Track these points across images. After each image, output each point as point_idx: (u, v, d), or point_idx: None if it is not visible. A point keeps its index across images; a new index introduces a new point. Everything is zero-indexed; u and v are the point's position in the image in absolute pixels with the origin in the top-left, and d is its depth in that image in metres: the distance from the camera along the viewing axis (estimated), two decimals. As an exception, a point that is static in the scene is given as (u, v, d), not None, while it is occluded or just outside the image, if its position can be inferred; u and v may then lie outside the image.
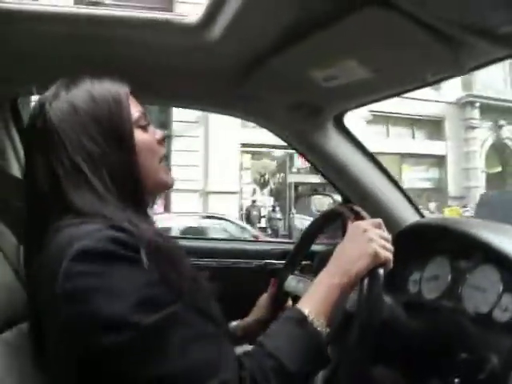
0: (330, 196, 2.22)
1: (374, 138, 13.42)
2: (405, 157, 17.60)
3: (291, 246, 1.71)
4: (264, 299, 1.44)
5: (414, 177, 18.12)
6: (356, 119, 12.98)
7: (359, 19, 1.05)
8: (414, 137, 18.47)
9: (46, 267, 0.85)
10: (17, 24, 1.29)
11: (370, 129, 15.54)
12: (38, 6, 1.30)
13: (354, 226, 1.06)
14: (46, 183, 0.91)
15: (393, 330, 1.23)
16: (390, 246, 1.02)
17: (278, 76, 1.43)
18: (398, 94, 1.46)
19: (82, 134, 0.92)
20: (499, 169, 18.80)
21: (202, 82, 1.56)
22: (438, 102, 17.50)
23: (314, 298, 0.97)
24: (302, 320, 0.92)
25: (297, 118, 1.71)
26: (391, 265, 1.01)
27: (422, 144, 18.22)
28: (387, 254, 1.00)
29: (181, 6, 12.62)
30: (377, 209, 1.80)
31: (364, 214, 1.11)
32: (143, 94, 1.08)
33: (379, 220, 1.07)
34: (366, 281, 0.98)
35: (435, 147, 18.32)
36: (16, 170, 1.78)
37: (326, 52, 1.23)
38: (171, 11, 12.20)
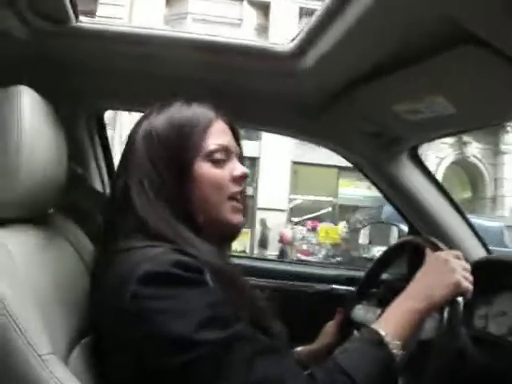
0: (395, 226, 2.22)
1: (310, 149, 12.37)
2: (344, 170, 15.59)
3: (357, 273, 1.74)
4: (330, 326, 1.44)
5: (355, 193, 16.67)
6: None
7: (452, 57, 1.07)
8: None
9: (111, 288, 0.87)
10: (111, 44, 1.39)
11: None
12: (132, 28, 1.39)
13: (435, 256, 1.08)
14: (123, 197, 0.97)
15: (461, 363, 1.23)
16: (470, 276, 1.04)
17: (362, 107, 1.47)
18: (478, 128, 1.48)
19: (148, 157, 0.97)
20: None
21: (287, 108, 1.61)
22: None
23: (391, 321, 0.98)
24: (380, 341, 0.93)
25: (374, 147, 1.74)
26: (470, 295, 1.03)
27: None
28: (468, 285, 1.03)
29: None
30: (445, 242, 1.80)
31: (442, 245, 1.14)
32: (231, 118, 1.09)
33: (459, 252, 1.10)
34: (446, 309, 1.00)
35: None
36: (98, 183, 1.87)
37: (413, 87, 1.27)
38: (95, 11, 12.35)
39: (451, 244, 1.82)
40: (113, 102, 1.81)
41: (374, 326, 0.97)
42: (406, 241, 1.39)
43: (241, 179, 1.03)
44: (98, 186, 1.88)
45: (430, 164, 16.07)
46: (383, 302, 1.32)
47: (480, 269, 1.67)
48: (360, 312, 1.42)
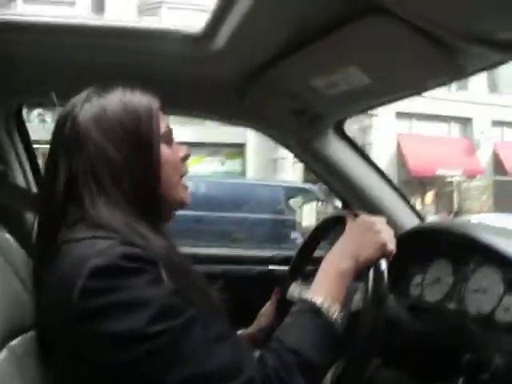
0: (329, 203, 2.23)
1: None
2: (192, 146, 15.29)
3: (294, 252, 1.73)
4: (267, 308, 1.42)
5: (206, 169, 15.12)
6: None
7: (360, 27, 1.07)
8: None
9: (57, 285, 0.84)
10: (24, 34, 1.32)
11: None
12: (49, 18, 1.33)
13: (359, 219, 1.08)
14: (63, 188, 0.91)
15: (396, 332, 1.24)
16: (394, 240, 1.04)
17: (281, 85, 1.45)
18: (397, 99, 1.48)
19: (107, 139, 0.91)
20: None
21: (205, 92, 1.58)
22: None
23: (322, 287, 0.98)
24: (316, 310, 0.93)
25: (298, 125, 1.72)
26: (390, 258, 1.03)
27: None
28: (393, 247, 1.03)
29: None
30: (378, 213, 1.82)
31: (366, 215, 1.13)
32: None
33: (383, 218, 1.09)
34: (371, 273, 1.00)
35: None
36: (20, 180, 1.80)
37: (327, 60, 1.25)
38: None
39: (384, 215, 1.83)
40: (29, 96, 1.75)
41: (307, 295, 0.97)
42: (331, 216, 1.38)
43: (187, 159, 1.07)
44: (22, 184, 1.81)
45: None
46: None
47: (413, 237, 1.70)
48: (295, 291, 1.39)
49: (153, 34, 1.31)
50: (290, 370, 0.84)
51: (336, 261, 1.01)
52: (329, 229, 1.38)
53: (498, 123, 18.12)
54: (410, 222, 1.87)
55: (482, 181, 16.64)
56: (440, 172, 16.69)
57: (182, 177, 1.05)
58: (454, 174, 16.99)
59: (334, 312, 0.94)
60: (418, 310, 1.46)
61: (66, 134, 0.93)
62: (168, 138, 1.01)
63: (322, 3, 1.06)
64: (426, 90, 1.35)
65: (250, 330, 1.40)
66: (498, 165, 18.01)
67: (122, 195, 0.91)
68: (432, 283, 1.52)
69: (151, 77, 1.40)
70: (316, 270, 1.40)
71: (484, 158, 18.02)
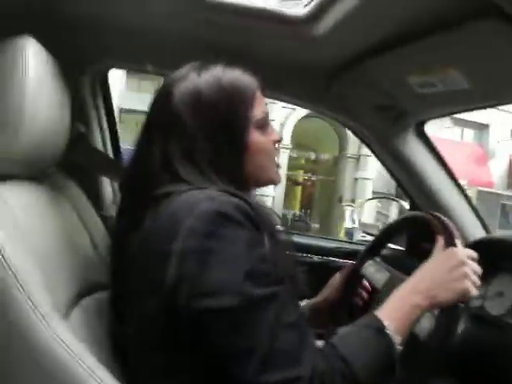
0: (396, 201, 2.21)
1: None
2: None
3: (355, 246, 1.74)
4: (335, 279, 1.43)
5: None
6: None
7: (469, 30, 1.05)
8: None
9: (161, 229, 0.86)
10: (112, 1, 1.35)
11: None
12: None
13: (450, 253, 1.02)
14: (159, 160, 0.93)
15: (461, 340, 1.23)
16: (479, 281, 1.00)
17: (374, 78, 1.44)
18: (488, 107, 1.45)
19: (198, 121, 0.93)
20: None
21: (297, 76, 1.59)
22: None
23: (393, 313, 0.94)
24: (381, 329, 0.90)
25: (382, 121, 1.72)
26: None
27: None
28: (475, 291, 0.98)
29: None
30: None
31: (456, 232, 1.09)
32: None
33: (475, 254, 1.04)
34: (445, 312, 0.98)
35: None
36: (98, 142, 1.85)
37: (428, 59, 1.24)
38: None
39: (451, 221, 1.82)
40: (118, 60, 1.76)
41: (377, 313, 0.94)
42: (414, 217, 1.38)
43: (279, 143, 1.07)
44: (99, 147, 1.86)
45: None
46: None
47: (478, 249, 1.67)
48: (370, 268, 1.41)
49: (257, 13, 1.31)
50: (334, 377, 0.83)
51: (415, 293, 0.97)
52: (410, 225, 1.38)
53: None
54: (476, 232, 1.84)
55: (468, 191, 15.74)
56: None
57: (274, 159, 1.06)
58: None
59: (397, 341, 0.90)
60: (478, 320, 1.45)
61: (161, 113, 0.97)
62: (262, 124, 1.01)
63: (435, 1, 1.05)
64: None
65: (315, 300, 1.41)
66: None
67: (215, 174, 0.93)
68: (494, 297, 1.50)
69: (247, 56, 1.41)
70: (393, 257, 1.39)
71: (497, 170, 17.06)
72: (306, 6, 1.24)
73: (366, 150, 15.09)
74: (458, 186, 1.88)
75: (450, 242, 1.05)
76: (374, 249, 1.48)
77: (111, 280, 1.04)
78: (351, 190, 16.29)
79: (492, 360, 1.29)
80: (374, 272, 1.39)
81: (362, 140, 1.91)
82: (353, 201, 15.35)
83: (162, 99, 0.97)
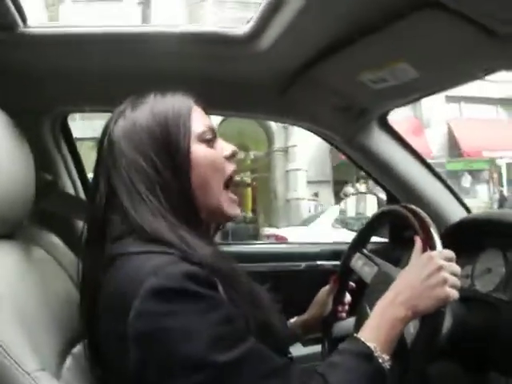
0: (375, 195, 2.22)
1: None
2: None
3: (341, 246, 1.74)
4: (321, 295, 1.43)
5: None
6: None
7: (411, 22, 1.06)
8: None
9: (109, 300, 0.84)
10: (67, 46, 1.35)
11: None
12: (86, 28, 1.35)
13: (427, 259, 0.98)
14: (105, 199, 0.92)
15: (451, 329, 1.24)
16: (459, 282, 0.98)
17: (327, 81, 1.45)
18: (445, 89, 1.47)
19: (137, 150, 0.92)
20: None
21: (250, 90, 1.59)
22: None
23: (377, 331, 0.93)
24: (369, 356, 0.89)
25: (342, 120, 1.73)
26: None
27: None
28: (455, 294, 0.96)
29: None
30: (424, 206, 1.81)
31: (432, 231, 1.06)
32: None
33: (452, 253, 1.01)
34: (427, 319, 0.96)
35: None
36: (69, 187, 1.83)
37: (376, 56, 1.25)
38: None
39: (430, 207, 1.83)
40: (74, 104, 1.76)
41: (361, 336, 0.93)
42: (388, 210, 1.38)
43: (233, 156, 1.03)
44: (71, 191, 1.85)
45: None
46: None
47: (462, 229, 1.69)
48: (359, 261, 1.41)
49: (200, 36, 1.32)
50: None
51: (394, 308, 0.95)
52: (389, 218, 1.41)
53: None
54: (457, 213, 1.86)
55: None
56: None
57: (228, 179, 1.02)
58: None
59: (385, 360, 0.89)
60: (469, 301, 1.45)
61: (103, 149, 0.97)
62: (206, 137, 0.99)
63: None
64: (473, 80, 1.34)
65: (304, 316, 1.41)
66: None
67: (160, 203, 0.90)
68: (483, 274, 1.51)
69: (196, 79, 1.43)
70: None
71: (436, 139, 16.74)
72: (248, 22, 1.25)
73: (293, 141, 15.26)
74: (431, 169, 1.89)
75: (427, 244, 1.03)
76: (359, 242, 1.48)
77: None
78: (284, 183, 16.09)
79: (485, 337, 1.29)
80: (363, 265, 1.39)
81: (329, 142, 1.91)
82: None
83: (104, 137, 0.98)
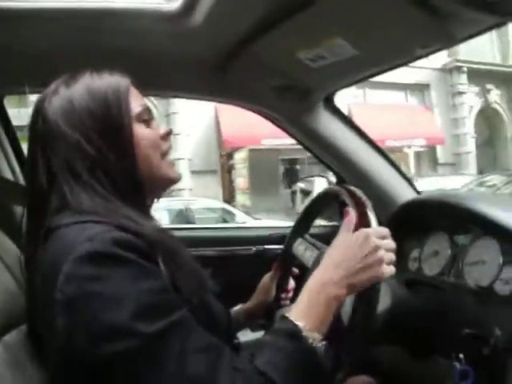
0: (325, 177, 2.20)
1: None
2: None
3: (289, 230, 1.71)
4: (265, 282, 1.42)
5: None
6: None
7: None
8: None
9: (44, 269, 0.82)
10: (2, 23, 1.28)
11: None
12: (23, 3, 1.28)
13: (362, 237, 0.95)
14: (45, 180, 0.89)
15: (395, 310, 1.22)
16: (394, 257, 0.96)
17: (265, 59, 1.41)
18: (387, 70, 1.43)
19: (77, 131, 0.89)
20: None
21: (187, 69, 1.53)
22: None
23: (309, 310, 0.90)
24: (295, 334, 0.86)
25: (286, 100, 1.69)
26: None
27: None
28: (392, 270, 0.94)
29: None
30: (372, 187, 1.79)
31: (362, 195, 1.05)
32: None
33: (386, 230, 0.99)
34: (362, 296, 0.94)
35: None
36: (7, 171, 1.76)
37: (310, 32, 1.20)
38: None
39: (379, 188, 1.81)
40: (9, 86, 1.68)
41: (291, 314, 0.89)
42: (324, 193, 1.34)
43: (168, 135, 1.05)
44: (8, 175, 1.78)
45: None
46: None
47: (409, 211, 1.68)
48: (300, 247, 1.40)
49: (130, 13, 1.27)
50: None
51: (328, 286, 0.91)
52: (324, 204, 1.38)
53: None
54: (406, 195, 1.84)
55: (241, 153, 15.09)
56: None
57: (165, 154, 1.02)
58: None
59: (316, 339, 0.86)
60: (416, 284, 1.44)
61: (39, 130, 0.92)
62: (144, 117, 0.98)
63: None
64: (416, 58, 1.31)
65: (248, 304, 1.39)
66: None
67: (101, 183, 0.88)
68: (430, 257, 1.50)
69: (130, 57, 1.37)
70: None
71: None
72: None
73: (177, 130, 14.20)
74: (380, 151, 1.86)
75: (362, 221, 1.00)
76: (299, 228, 1.46)
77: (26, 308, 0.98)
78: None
79: (429, 320, 1.28)
80: (304, 251, 1.36)
81: (274, 123, 1.86)
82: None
83: (38, 117, 0.93)
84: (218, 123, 14.38)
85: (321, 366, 0.86)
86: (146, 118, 0.99)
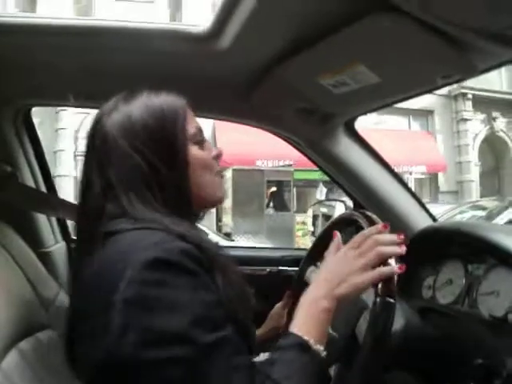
0: (342, 202, 2.21)
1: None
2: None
3: (303, 253, 1.72)
4: (277, 309, 1.44)
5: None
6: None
7: (366, 25, 1.04)
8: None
9: (101, 271, 0.84)
10: (31, 37, 1.31)
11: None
12: (52, 19, 1.32)
13: (346, 247, 1.00)
14: (100, 189, 0.92)
15: (408, 336, 1.22)
16: (394, 250, 0.96)
17: (289, 83, 1.43)
18: (408, 98, 1.45)
19: (133, 146, 0.93)
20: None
21: (212, 91, 1.56)
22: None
23: (307, 324, 0.93)
24: (306, 347, 0.89)
25: (307, 124, 1.70)
26: (398, 270, 0.95)
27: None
28: (391, 269, 0.94)
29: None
30: (389, 214, 1.80)
31: (376, 218, 1.08)
32: None
33: (378, 225, 1.02)
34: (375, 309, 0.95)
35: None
36: (29, 179, 1.80)
37: (334, 58, 1.23)
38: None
39: (395, 215, 1.82)
40: (38, 98, 1.74)
41: (295, 330, 0.92)
42: (344, 216, 1.36)
43: (220, 157, 1.09)
44: (31, 184, 1.83)
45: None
46: None
47: (425, 238, 1.68)
48: (312, 275, 1.41)
49: (160, 33, 1.30)
50: None
51: (319, 300, 0.94)
52: (342, 226, 1.37)
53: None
54: (422, 222, 1.84)
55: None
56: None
57: (215, 175, 1.06)
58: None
59: (321, 351, 0.90)
60: (429, 312, 1.44)
61: (96, 144, 0.96)
62: (198, 139, 1.02)
63: (332, 1, 1.04)
64: (436, 88, 1.32)
65: (261, 329, 1.41)
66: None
67: (155, 198, 0.92)
68: (444, 285, 1.50)
69: (156, 77, 1.39)
70: None
71: None
72: (208, 21, 1.23)
73: None
74: (397, 177, 1.87)
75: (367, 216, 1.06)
76: (313, 254, 1.47)
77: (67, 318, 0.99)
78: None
79: (442, 349, 1.28)
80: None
81: (294, 146, 1.89)
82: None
83: (96, 132, 0.97)
84: (215, 140, 14.39)
85: (329, 377, 0.91)
86: (200, 140, 1.03)
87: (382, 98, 1.51)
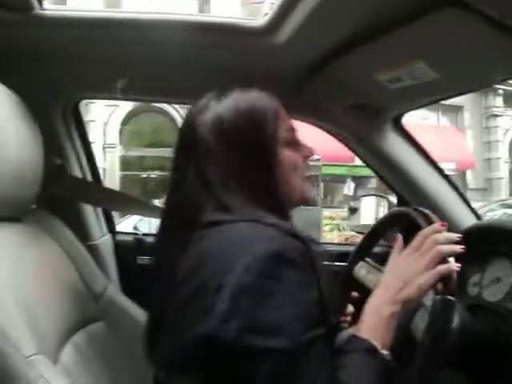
0: (385, 198, 2.20)
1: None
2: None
3: (350, 248, 1.73)
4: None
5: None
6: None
7: (430, 21, 1.04)
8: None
9: (210, 260, 0.85)
10: (81, 30, 1.35)
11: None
12: (105, 12, 1.35)
13: (407, 250, 0.99)
14: (199, 187, 0.94)
15: (464, 331, 1.22)
16: (449, 248, 0.96)
17: (343, 78, 1.44)
18: (462, 93, 1.45)
19: (226, 147, 0.94)
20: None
21: (265, 85, 1.57)
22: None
23: (375, 329, 0.93)
24: (373, 350, 0.89)
25: (357, 119, 1.71)
26: (455, 267, 0.95)
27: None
28: (450, 266, 0.94)
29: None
30: (434, 211, 1.77)
31: (434, 216, 1.08)
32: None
33: (436, 225, 1.01)
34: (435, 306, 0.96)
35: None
36: (77, 171, 1.84)
37: (393, 55, 1.23)
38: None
39: (441, 213, 1.81)
40: (88, 90, 1.76)
41: (362, 334, 0.92)
42: (398, 212, 1.36)
43: (308, 158, 1.08)
44: (79, 175, 1.87)
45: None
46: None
47: (471, 236, 1.66)
48: (362, 270, 1.41)
49: (216, 26, 1.32)
50: None
51: (384, 305, 0.94)
52: (396, 222, 1.38)
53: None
54: (467, 220, 1.84)
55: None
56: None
57: (304, 175, 1.06)
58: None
59: (388, 354, 0.91)
60: (477, 309, 1.44)
61: (189, 143, 0.98)
62: (289, 141, 1.02)
63: None
64: (492, 83, 1.32)
65: None
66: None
67: (249, 196, 0.93)
68: (492, 283, 1.49)
69: (213, 70, 1.42)
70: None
71: None
72: (266, 15, 1.24)
73: None
74: (444, 175, 1.87)
75: (430, 223, 1.03)
76: (362, 250, 1.47)
77: (150, 306, 1.03)
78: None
79: (493, 348, 1.28)
80: (366, 273, 1.38)
81: (341, 141, 1.89)
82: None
83: (188, 130, 1.00)
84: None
85: (391, 378, 0.90)
86: (292, 141, 1.03)
87: (435, 95, 1.51)
